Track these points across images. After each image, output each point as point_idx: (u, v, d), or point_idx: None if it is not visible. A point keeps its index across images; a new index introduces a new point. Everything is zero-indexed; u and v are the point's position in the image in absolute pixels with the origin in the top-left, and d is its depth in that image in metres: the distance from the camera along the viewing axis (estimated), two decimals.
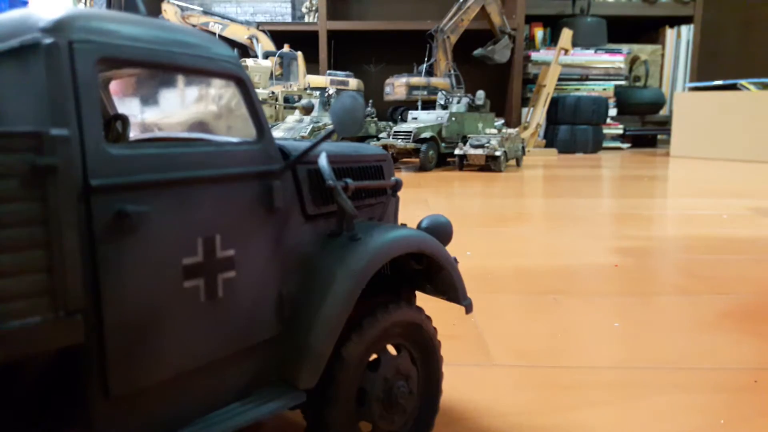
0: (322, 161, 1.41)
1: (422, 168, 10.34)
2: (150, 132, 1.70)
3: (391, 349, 1.57)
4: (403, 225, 1.67)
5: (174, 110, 1.86)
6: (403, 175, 9.63)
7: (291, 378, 1.31)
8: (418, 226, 1.71)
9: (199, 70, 1.20)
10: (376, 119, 11.87)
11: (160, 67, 1.14)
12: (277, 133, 9.75)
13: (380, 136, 10.92)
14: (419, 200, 6.62)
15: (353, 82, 13.96)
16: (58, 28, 1.00)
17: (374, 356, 1.50)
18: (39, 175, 0.88)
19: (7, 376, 0.99)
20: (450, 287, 1.67)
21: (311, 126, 9.91)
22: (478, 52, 15.04)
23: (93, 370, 1.01)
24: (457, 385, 2.03)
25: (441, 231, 1.70)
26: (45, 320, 0.89)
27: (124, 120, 1.55)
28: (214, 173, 1.19)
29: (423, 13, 16.88)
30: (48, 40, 0.98)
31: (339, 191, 1.39)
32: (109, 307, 1.01)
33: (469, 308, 1.71)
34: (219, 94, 1.50)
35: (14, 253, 0.86)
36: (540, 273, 3.55)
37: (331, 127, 1.31)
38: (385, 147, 10.30)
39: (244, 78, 1.28)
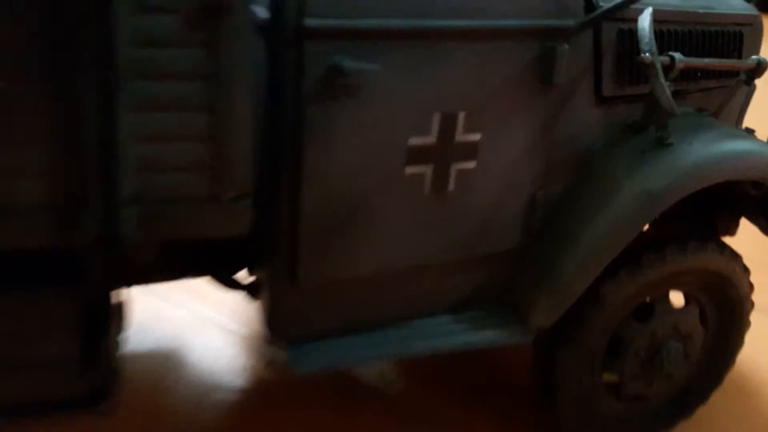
0: (644, 21, 0.95)
1: None
2: None
3: (677, 298, 1.15)
4: (748, 130, 1.14)
5: None
6: None
7: (521, 308, 1.02)
8: None
9: None
10: None
11: None
12: None
13: None
14: None
15: None
16: None
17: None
18: (208, 13, 0.65)
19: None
20: None
21: None
22: None
23: (282, 252, 0.87)
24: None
25: None
26: (200, 204, 0.73)
27: None
28: (474, 25, 0.86)
29: None
30: None
31: (657, 70, 0.93)
32: (310, 184, 0.82)
33: None
34: None
35: (170, 113, 0.68)
36: None
37: None
38: None
39: None
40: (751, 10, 1.21)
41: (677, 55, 0.96)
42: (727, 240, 1.24)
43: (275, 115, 0.80)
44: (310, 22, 0.75)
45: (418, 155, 0.88)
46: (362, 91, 0.80)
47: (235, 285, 1.07)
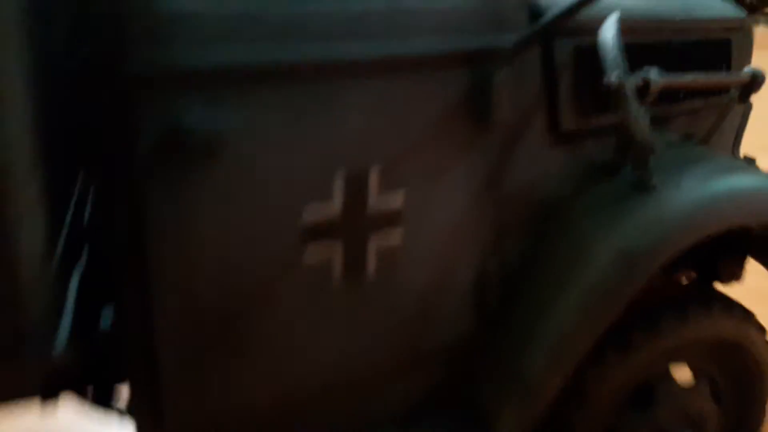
0: (607, 32, 0.74)
1: None
2: None
3: (682, 371, 0.92)
4: (747, 159, 0.93)
5: None
6: None
7: (482, 417, 0.79)
8: None
9: None
10: None
11: None
12: None
13: None
14: None
15: None
16: None
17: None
18: None
19: None
20: None
21: None
22: None
23: (139, 389, 0.63)
24: None
25: None
26: None
27: None
28: (378, 52, 0.64)
29: None
30: None
31: (627, 96, 0.72)
32: (162, 291, 0.60)
33: None
34: None
35: None
36: None
37: None
38: None
39: None
40: (737, 12, 1.01)
41: (653, 73, 0.75)
42: None
43: (105, 198, 0.58)
44: (135, 65, 0.53)
45: (318, 232, 0.66)
46: (225, 153, 0.58)
47: (111, 406, 0.83)
